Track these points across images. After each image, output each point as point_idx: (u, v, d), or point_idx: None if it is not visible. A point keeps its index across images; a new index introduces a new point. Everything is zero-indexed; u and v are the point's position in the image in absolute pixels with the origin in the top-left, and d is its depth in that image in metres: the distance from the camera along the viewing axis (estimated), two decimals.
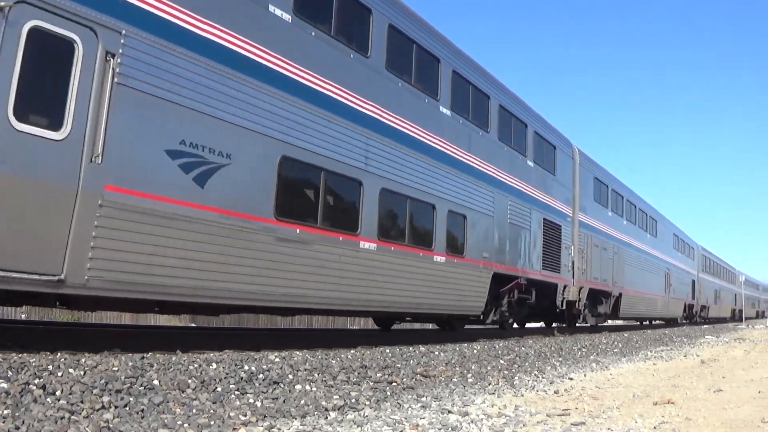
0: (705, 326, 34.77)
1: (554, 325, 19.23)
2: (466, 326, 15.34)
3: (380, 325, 14.93)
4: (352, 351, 8.36)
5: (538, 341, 13.14)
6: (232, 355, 6.62)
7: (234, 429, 3.88)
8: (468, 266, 11.98)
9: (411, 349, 9.45)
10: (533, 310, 16.68)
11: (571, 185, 18.45)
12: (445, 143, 11.57)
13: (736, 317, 57.75)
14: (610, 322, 27.10)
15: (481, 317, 13.19)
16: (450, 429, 4.06)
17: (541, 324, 19.77)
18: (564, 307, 17.30)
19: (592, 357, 10.89)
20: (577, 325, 19.94)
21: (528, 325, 19.48)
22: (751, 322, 49.09)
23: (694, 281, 37.53)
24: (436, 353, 8.93)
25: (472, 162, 12.50)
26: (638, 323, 33.20)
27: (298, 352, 7.43)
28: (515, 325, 17.67)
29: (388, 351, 8.72)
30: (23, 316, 18.72)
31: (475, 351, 9.86)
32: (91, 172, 5.75)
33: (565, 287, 17.23)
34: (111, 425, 3.70)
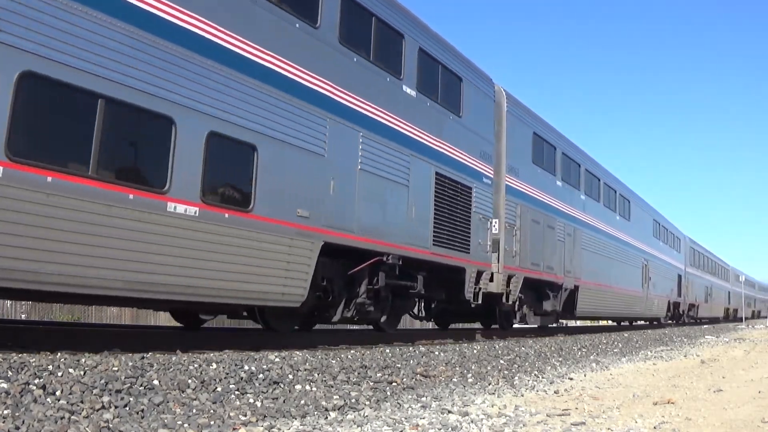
0: (705, 326, 34.67)
1: (493, 326, 15.37)
2: (314, 330, 10.99)
3: (182, 321, 10.76)
4: (352, 351, 8.37)
5: (538, 341, 13.14)
6: (232, 355, 6.62)
7: (234, 429, 3.88)
8: (261, 228, 7.71)
9: (411, 349, 9.46)
10: (447, 306, 13.00)
11: (492, 136, 13.58)
12: (197, 19, 7.14)
13: (730, 317, 52.45)
14: (563, 323, 23.19)
15: (327, 313, 9.56)
16: (450, 429, 4.06)
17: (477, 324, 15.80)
18: (479, 301, 12.53)
19: (592, 357, 10.89)
20: (514, 326, 15.87)
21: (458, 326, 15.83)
22: (750, 322, 48.82)
23: (680, 276, 32.78)
24: (436, 353, 8.93)
25: (275, 64, 8.06)
26: (615, 324, 29.32)
27: (298, 352, 7.43)
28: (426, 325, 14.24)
29: (388, 351, 8.72)
30: (23, 316, 18.71)
31: (475, 351, 9.86)
32: None
33: (480, 274, 12.54)
34: (111, 425, 3.70)
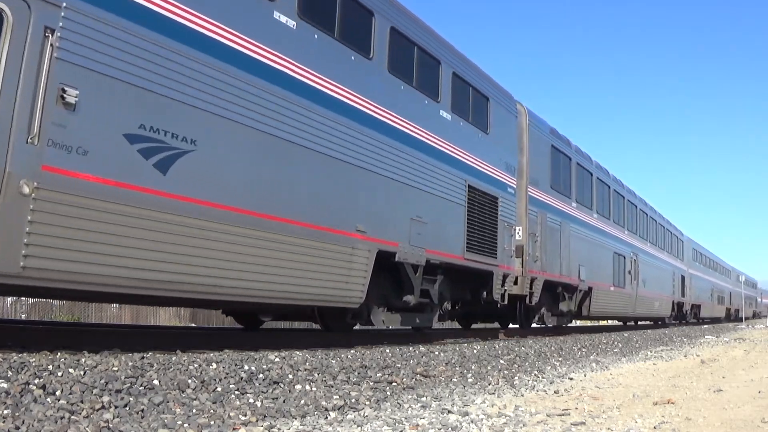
0: (705, 326, 34.33)
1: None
2: None
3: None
4: (352, 351, 8.36)
5: (538, 341, 13.13)
6: (232, 355, 6.62)
7: (234, 429, 3.88)
8: None
9: (411, 349, 9.45)
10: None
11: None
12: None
13: (687, 318, 34.40)
14: None
15: None
16: (450, 429, 4.06)
17: None
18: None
19: (592, 357, 10.89)
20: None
21: None
22: (750, 322, 47.25)
23: (530, 230, 14.47)
24: (436, 353, 8.93)
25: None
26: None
27: (298, 352, 7.43)
28: None
29: (388, 351, 8.72)
30: (23, 316, 18.72)
31: (475, 351, 9.86)
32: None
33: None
34: (111, 425, 3.70)
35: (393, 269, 10.10)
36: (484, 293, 12.85)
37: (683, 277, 32.74)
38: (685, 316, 33.55)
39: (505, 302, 13.21)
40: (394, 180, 9.80)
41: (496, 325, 16.81)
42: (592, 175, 19.55)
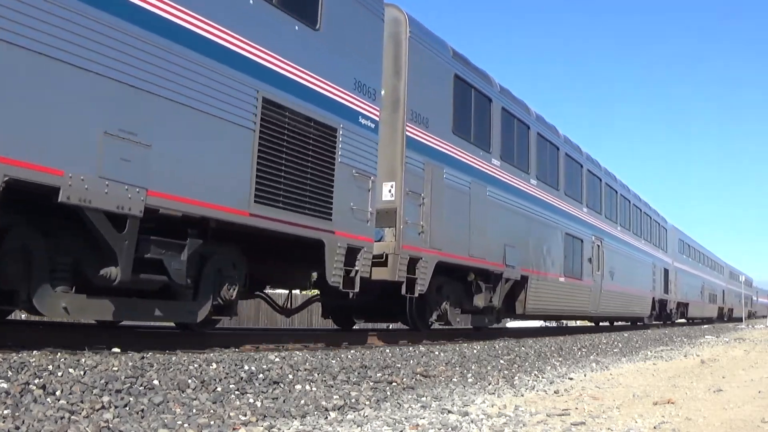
0: (705, 326, 34.29)
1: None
2: None
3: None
4: (352, 351, 8.37)
5: (538, 341, 13.14)
6: (232, 355, 6.62)
7: (234, 429, 3.88)
8: None
9: (411, 349, 9.46)
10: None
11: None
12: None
13: (672, 318, 29.96)
14: None
15: None
16: (450, 429, 4.06)
17: None
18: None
19: (592, 357, 10.90)
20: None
21: None
22: (750, 322, 47.06)
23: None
24: (436, 353, 8.93)
25: None
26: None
27: (298, 352, 7.44)
28: None
29: (388, 351, 8.72)
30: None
31: (475, 351, 9.86)
32: None
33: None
34: (111, 425, 3.70)
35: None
36: (315, 274, 8.83)
37: (666, 271, 27.71)
38: (669, 316, 28.85)
39: (355, 289, 8.61)
40: (54, 59, 5.26)
41: (398, 324, 12.95)
42: (529, 128, 14.40)
